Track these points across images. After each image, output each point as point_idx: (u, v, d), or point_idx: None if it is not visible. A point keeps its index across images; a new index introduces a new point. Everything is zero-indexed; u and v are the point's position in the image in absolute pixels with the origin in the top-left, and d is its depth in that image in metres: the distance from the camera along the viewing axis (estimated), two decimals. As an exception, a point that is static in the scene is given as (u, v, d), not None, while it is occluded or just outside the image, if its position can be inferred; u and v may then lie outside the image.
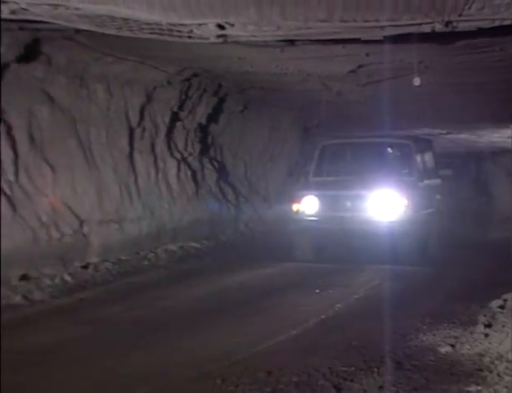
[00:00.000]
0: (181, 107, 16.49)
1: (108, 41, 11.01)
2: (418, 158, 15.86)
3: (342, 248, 15.59)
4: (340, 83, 15.31)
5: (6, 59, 11.39)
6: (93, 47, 12.07)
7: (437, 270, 14.11)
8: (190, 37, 9.40)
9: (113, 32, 9.51)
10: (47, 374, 7.30)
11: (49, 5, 8.18)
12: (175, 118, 16.65)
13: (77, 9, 8.29)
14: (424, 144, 17.34)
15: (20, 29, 10.26)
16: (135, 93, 14.86)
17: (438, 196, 17.05)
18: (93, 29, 9.41)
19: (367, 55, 12.10)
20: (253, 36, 9.36)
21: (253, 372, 7.26)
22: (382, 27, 8.86)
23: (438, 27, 8.71)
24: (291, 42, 10.37)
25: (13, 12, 8.43)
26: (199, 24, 8.74)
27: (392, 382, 6.90)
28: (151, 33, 9.48)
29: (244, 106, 19.09)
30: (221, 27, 8.72)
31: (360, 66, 13.28)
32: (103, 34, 9.86)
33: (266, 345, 8.31)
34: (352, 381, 6.97)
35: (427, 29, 8.80)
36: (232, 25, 8.71)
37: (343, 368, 7.33)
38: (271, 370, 7.27)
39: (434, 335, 8.67)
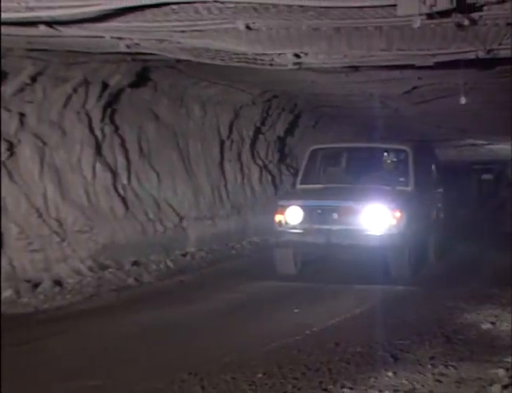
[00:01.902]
0: (263, 123, 16.57)
1: (203, 68, 11.10)
2: (416, 165, 12.15)
3: (328, 264, 12.15)
4: (397, 101, 15.21)
5: (121, 85, 11.65)
6: (191, 73, 12.17)
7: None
8: (271, 64, 9.46)
9: (207, 61, 9.59)
10: (170, 342, 7.48)
11: (156, 40, 8.28)
12: (258, 132, 16.75)
13: (178, 43, 8.36)
14: (425, 150, 13.86)
15: (133, 60, 10.39)
16: (225, 111, 15.00)
17: (440, 206, 13.79)
18: (191, 58, 9.50)
19: (420, 78, 12.02)
20: (324, 63, 9.38)
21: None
22: (433, 55, 8.84)
23: (481, 54, 8.66)
24: (355, 67, 10.34)
25: (128, 47, 8.54)
26: (279, 54, 8.80)
27: (442, 353, 6.87)
28: (239, 62, 9.55)
29: (315, 122, 19.07)
30: (297, 56, 8.77)
31: (414, 88, 13.18)
32: (199, 63, 9.95)
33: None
34: (407, 352, 6.93)
35: (471, 55, 8.77)
36: (306, 54, 8.75)
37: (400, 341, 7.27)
38: (339, 342, 7.31)
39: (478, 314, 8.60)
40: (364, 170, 12.69)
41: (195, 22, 7.24)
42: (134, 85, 11.91)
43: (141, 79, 11.86)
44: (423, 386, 5.90)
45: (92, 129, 11.64)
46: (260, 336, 7.67)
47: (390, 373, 6.16)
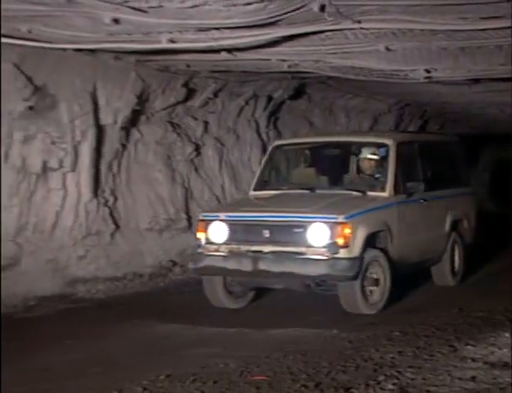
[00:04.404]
0: (397, 127, 16.33)
1: (348, 83, 11.03)
2: (403, 164, 7.89)
3: (258, 299, 7.80)
4: (512, 108, 14.66)
5: (283, 97, 11.72)
6: (338, 87, 12.13)
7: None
8: (405, 79, 9.31)
9: (352, 77, 9.53)
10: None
11: (312, 61, 8.32)
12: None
13: (330, 63, 8.37)
14: (424, 144, 8.77)
15: (293, 77, 10.47)
16: (366, 118, 14.85)
17: (462, 214, 8.93)
18: (340, 75, 9.46)
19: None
20: (450, 77, 9.16)
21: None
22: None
23: None
24: (477, 80, 10.03)
25: (289, 67, 8.64)
26: (412, 70, 8.66)
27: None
28: (378, 77, 9.45)
29: (441, 126, 18.63)
30: (427, 71, 8.60)
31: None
32: (345, 79, 9.93)
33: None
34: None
35: None
36: (436, 70, 8.57)
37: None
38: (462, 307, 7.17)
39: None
40: (335, 171, 8.43)
41: (344, 45, 7.24)
42: (293, 98, 11.97)
43: (299, 92, 11.90)
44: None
45: (259, 134, 11.86)
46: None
47: (507, 334, 5.98)
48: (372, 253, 7.15)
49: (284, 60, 8.30)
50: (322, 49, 7.46)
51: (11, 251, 8.20)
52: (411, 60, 8.08)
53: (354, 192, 7.64)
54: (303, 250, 6.90)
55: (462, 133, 18.16)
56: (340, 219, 6.86)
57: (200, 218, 7.57)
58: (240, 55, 7.66)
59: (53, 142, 8.49)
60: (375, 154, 7.95)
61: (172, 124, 10.27)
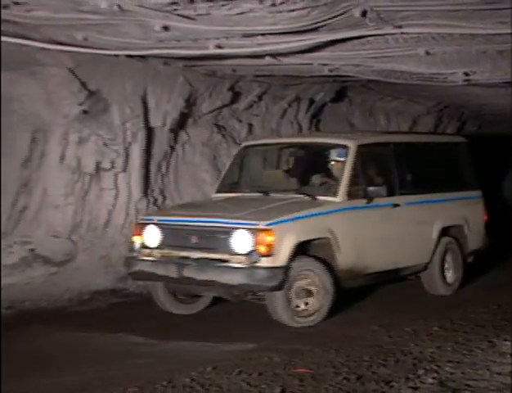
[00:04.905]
0: (435, 129, 16.16)
1: (388, 86, 10.94)
2: (366, 168, 7.17)
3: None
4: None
5: (324, 100, 11.68)
6: (378, 90, 12.04)
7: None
8: (444, 82, 9.21)
9: (392, 80, 9.45)
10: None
11: (353, 65, 8.28)
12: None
13: (371, 67, 8.32)
14: (407, 146, 7.93)
15: (334, 81, 10.41)
16: (405, 120, 14.69)
17: (440, 224, 7.84)
18: (380, 79, 9.39)
19: None
20: (488, 80, 8.99)
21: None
22: None
23: None
24: (514, 83, 9.89)
25: (331, 71, 8.60)
26: (452, 73, 8.55)
27: None
28: (417, 80, 9.35)
29: (478, 127, 18.37)
30: (466, 74, 8.49)
31: None
32: (385, 82, 9.85)
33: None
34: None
35: None
36: (474, 73, 8.45)
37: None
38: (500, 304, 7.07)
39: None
40: (295, 174, 7.71)
41: (384, 50, 7.19)
42: (334, 100, 11.92)
43: (340, 95, 11.85)
44: None
45: (301, 135, 11.86)
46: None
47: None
48: (303, 262, 6.42)
49: (325, 65, 8.27)
50: (363, 53, 7.41)
51: (66, 248, 8.35)
52: (451, 64, 7.98)
53: (304, 197, 6.92)
54: (227, 257, 6.30)
55: (498, 134, 17.95)
56: (261, 225, 6.22)
57: (137, 221, 7.12)
58: (283, 59, 7.67)
59: (105, 144, 8.62)
60: (335, 156, 7.24)
61: (218, 126, 10.34)
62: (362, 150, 7.16)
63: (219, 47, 6.75)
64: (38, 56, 7.67)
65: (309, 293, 6.44)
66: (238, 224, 6.31)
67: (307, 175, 7.50)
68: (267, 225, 6.20)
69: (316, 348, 5.63)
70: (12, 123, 8.70)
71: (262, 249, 6.14)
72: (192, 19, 5.69)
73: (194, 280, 6.39)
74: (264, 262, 6.12)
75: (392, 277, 7.51)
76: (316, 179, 7.40)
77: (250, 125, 10.83)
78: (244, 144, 8.29)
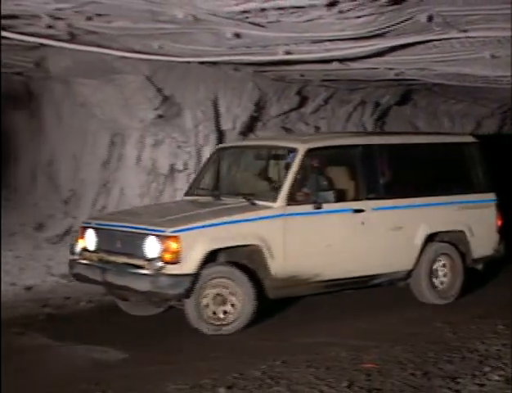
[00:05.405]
0: (500, 129, 15.80)
1: (452, 89, 10.78)
2: (316, 172, 6.47)
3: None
4: None
5: (389, 103, 11.58)
6: (442, 93, 11.86)
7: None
8: (508, 84, 9.00)
9: (457, 83, 9.31)
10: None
11: (418, 69, 8.19)
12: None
13: (435, 70, 8.22)
14: (385, 148, 7.04)
15: (399, 84, 10.32)
16: (469, 123, 14.39)
17: (426, 229, 7.02)
18: (444, 82, 9.27)
19: None
20: (554, 81, 8.78)
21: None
22: None
23: None
24: None
25: (396, 75, 8.54)
26: (517, 75, 8.36)
27: None
28: (482, 83, 9.20)
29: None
30: (531, 76, 8.29)
31: None
32: (449, 85, 9.68)
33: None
34: None
35: None
36: (540, 75, 8.25)
37: None
38: None
39: None
40: (250, 178, 7.23)
41: (449, 53, 7.09)
42: (399, 103, 11.82)
43: (404, 98, 11.73)
44: None
45: (366, 138, 11.75)
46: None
47: None
48: (216, 269, 6.01)
49: (391, 69, 8.22)
50: (428, 57, 7.32)
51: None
52: (516, 66, 7.79)
53: (245, 202, 6.42)
54: (141, 263, 5.98)
55: None
56: (168, 232, 5.88)
57: (81, 224, 6.89)
58: (350, 64, 7.65)
59: (179, 146, 8.77)
60: (288, 160, 6.55)
61: (285, 129, 10.37)
62: (314, 153, 6.52)
63: (288, 53, 6.78)
64: (116, 64, 7.88)
65: (223, 302, 6.03)
66: (149, 231, 6.04)
67: (261, 179, 7.04)
68: (173, 232, 5.88)
69: (382, 344, 5.57)
70: (93, 127, 8.96)
71: (168, 256, 5.85)
72: (263, 26, 5.74)
73: (114, 285, 6.23)
74: (170, 269, 5.82)
75: (361, 285, 6.88)
76: (263, 184, 6.92)
77: (317, 128, 10.82)
78: (217, 147, 8.01)
